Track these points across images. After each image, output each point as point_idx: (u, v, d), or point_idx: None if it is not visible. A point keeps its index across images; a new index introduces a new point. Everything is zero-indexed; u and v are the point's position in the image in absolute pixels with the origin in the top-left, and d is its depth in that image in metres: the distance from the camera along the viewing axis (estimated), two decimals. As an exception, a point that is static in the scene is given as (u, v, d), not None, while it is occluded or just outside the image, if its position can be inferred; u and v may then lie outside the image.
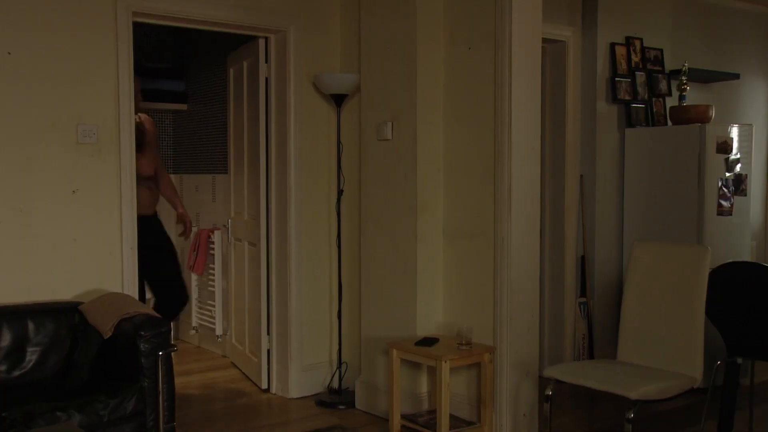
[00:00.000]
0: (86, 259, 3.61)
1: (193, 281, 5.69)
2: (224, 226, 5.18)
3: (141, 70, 5.66)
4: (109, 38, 3.61)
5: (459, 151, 3.82)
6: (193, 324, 5.71)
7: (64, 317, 3.28)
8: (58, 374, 3.20)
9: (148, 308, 3.32)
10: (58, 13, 3.48)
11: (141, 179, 4.08)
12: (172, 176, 6.03)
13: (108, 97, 3.63)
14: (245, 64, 4.69)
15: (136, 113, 3.99)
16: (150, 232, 4.34)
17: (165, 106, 5.80)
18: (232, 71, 4.97)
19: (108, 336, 3.13)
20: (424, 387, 3.92)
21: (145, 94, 5.65)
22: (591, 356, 4.64)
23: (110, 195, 3.67)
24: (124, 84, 3.68)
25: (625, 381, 2.98)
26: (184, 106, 5.86)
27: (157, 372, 3.05)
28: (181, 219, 4.80)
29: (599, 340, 4.67)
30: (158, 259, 4.43)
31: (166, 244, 4.63)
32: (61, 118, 3.51)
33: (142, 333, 3.04)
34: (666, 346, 3.20)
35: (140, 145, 4.05)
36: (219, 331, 5.39)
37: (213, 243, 5.42)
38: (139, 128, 4.15)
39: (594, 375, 3.10)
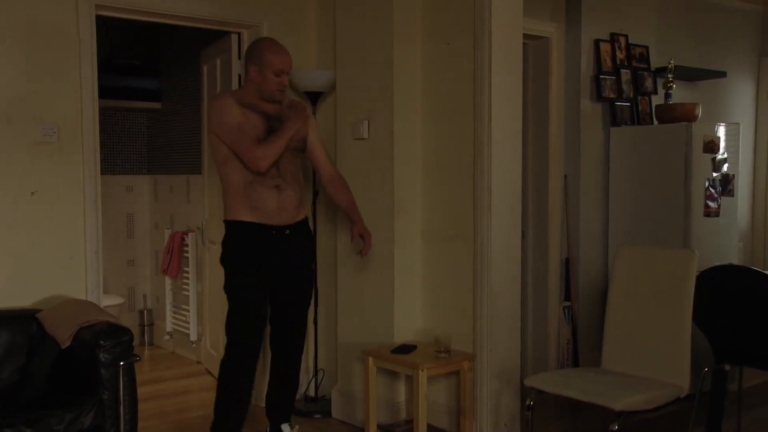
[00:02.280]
0: (47, 263, 3.44)
1: (167, 285, 5.53)
2: (198, 228, 5.02)
3: (112, 67, 5.52)
4: (70, 32, 3.44)
5: (437, 151, 3.69)
6: (168, 329, 5.54)
7: (20, 326, 3.10)
8: (13, 387, 3.03)
9: (110, 315, 3.16)
10: (15, 4, 3.31)
11: (260, 174, 3.22)
12: (145, 177, 5.88)
13: (70, 93, 3.46)
14: (218, 60, 4.53)
15: (275, 100, 3.29)
16: (277, 249, 3.30)
17: (138, 105, 5.64)
18: (205, 68, 4.82)
19: (66, 346, 2.96)
20: (401, 395, 3.79)
21: (116, 92, 5.51)
22: (576, 361, 4.52)
23: (73, 196, 3.51)
24: (87, 80, 3.51)
25: (609, 391, 2.85)
26: (158, 105, 5.69)
27: (118, 383, 2.89)
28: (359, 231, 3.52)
29: (584, 344, 4.54)
30: (285, 286, 3.39)
31: (302, 268, 3.46)
32: (18, 115, 3.33)
33: (102, 342, 2.88)
34: (652, 353, 3.08)
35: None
36: (193, 337, 5.23)
37: (187, 245, 5.25)
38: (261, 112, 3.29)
39: (577, 385, 2.96)
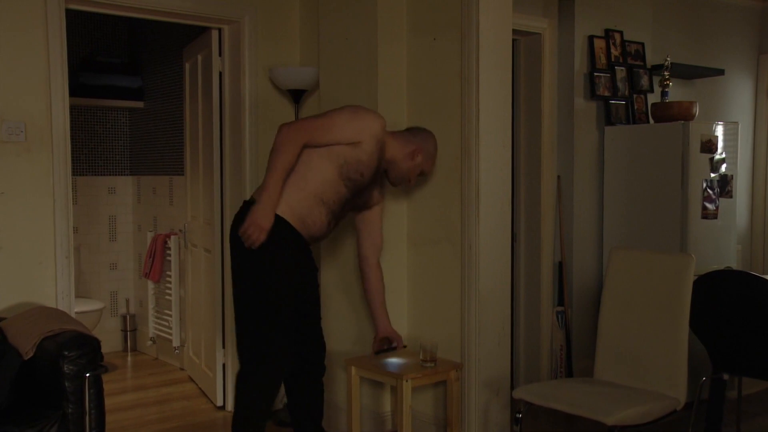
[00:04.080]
0: (14, 269, 3.28)
1: (149, 289, 5.38)
2: (180, 230, 4.87)
3: (94, 65, 5.37)
4: (38, 26, 3.29)
5: (424, 151, 3.53)
6: (150, 334, 5.39)
7: (-18, 335, 2.94)
8: (-27, 400, 2.87)
9: (79, 324, 3.00)
10: (-23, -3, 3.17)
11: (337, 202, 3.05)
12: (128, 178, 5.73)
13: (38, 90, 3.31)
14: (199, 57, 4.39)
15: (388, 184, 3.23)
16: (307, 264, 3.15)
17: (120, 104, 5.48)
18: (187, 65, 4.67)
19: (29, 357, 2.81)
20: (387, 405, 3.64)
21: (98, 90, 5.36)
22: (569, 368, 4.37)
23: (42, 198, 3.35)
24: (56, 76, 3.35)
25: (601, 404, 2.70)
26: (140, 104, 5.53)
27: (84, 396, 2.74)
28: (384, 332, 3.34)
29: (578, 351, 4.39)
30: (311, 303, 3.25)
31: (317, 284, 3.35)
32: (-19, 114, 3.19)
33: (66, 353, 2.72)
34: (647, 364, 2.92)
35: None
36: (176, 343, 5.08)
37: (170, 248, 5.10)
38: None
39: (567, 397, 2.81)
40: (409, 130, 3.28)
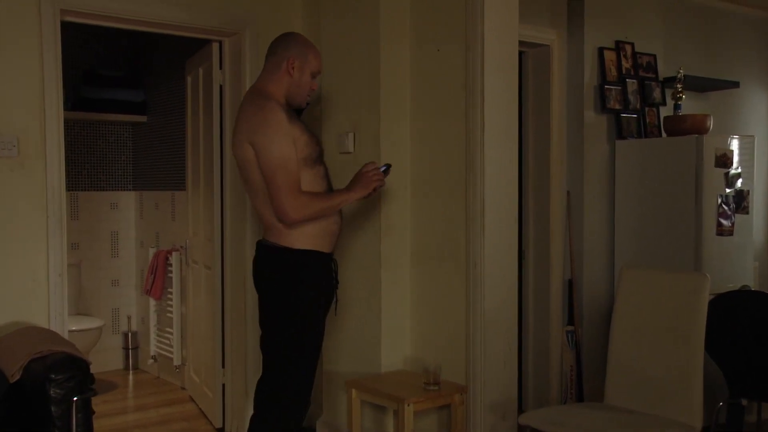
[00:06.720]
0: (5, 287, 3.19)
1: (151, 306, 5.28)
2: (182, 246, 4.78)
3: (96, 79, 5.32)
4: (32, 38, 3.21)
5: (428, 165, 3.44)
6: (152, 353, 5.29)
7: (-32, 356, 2.85)
8: (-43, 425, 2.78)
9: (69, 344, 2.89)
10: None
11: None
12: (131, 193, 5.66)
13: (31, 104, 3.23)
14: (201, 70, 4.31)
15: (300, 107, 2.92)
16: (331, 286, 2.93)
17: (122, 118, 5.41)
18: (189, 79, 4.60)
19: (15, 380, 2.70)
20: (390, 429, 3.51)
21: (101, 105, 5.30)
22: (580, 389, 4.22)
23: (35, 214, 3.26)
24: (51, 89, 3.27)
25: (612, 432, 2.57)
26: (143, 118, 5.46)
27: (71, 421, 2.63)
28: None
29: (589, 372, 4.25)
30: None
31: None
32: (-28, 128, 3.11)
33: (53, 376, 2.61)
34: (660, 388, 2.78)
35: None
36: (177, 362, 4.97)
37: (171, 265, 5.01)
38: None
39: (575, 424, 2.68)
40: (267, 60, 2.87)
